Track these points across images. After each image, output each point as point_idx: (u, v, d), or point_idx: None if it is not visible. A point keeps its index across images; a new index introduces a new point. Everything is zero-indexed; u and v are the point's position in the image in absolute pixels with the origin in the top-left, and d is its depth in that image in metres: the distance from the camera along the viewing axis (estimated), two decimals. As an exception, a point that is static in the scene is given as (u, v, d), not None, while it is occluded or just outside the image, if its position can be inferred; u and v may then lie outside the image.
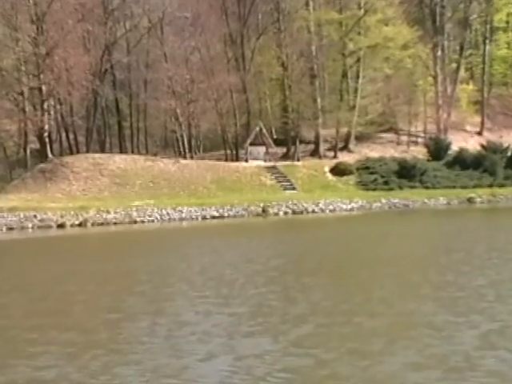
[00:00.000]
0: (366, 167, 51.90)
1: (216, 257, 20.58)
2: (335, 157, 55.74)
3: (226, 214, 39.60)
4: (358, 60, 58.40)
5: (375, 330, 10.21)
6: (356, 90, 58.36)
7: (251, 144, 53.61)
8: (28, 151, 51.79)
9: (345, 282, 15.45)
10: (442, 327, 10.25)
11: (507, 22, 73.37)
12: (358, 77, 58.57)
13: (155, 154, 55.86)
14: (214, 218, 38.92)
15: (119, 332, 10.77)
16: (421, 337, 9.76)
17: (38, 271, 18.76)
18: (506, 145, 55.17)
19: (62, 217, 35.88)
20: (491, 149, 53.78)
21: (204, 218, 38.80)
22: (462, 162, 52.52)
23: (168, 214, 38.46)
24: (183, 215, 38.69)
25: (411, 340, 9.62)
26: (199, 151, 61.87)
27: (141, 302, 13.40)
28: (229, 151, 56.55)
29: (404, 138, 61.49)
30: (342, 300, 12.73)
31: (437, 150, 54.93)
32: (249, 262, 18.68)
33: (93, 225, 35.78)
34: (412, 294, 13.22)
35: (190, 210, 39.18)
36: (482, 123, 66.55)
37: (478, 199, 46.73)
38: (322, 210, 42.18)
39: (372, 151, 58.26)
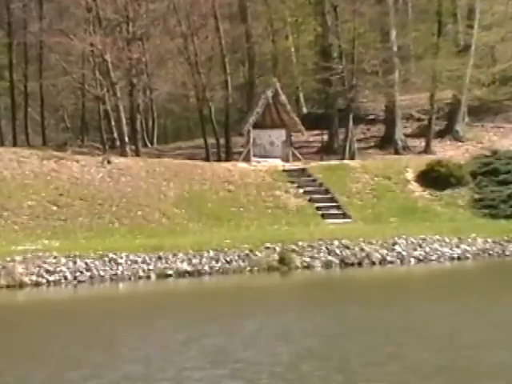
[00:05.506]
0: (491, 171, 52.02)
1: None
2: (427, 150, 56.48)
3: (205, 268, 40.47)
4: None
5: None
6: (471, 14, 58.62)
7: (257, 126, 54.08)
8: None
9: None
10: None
11: None
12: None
13: (63, 146, 57.08)
14: (182, 275, 39.81)
15: None
16: None
17: None
18: None
19: None
20: None
21: (162, 275, 39.72)
22: None
23: (89, 268, 39.25)
24: (120, 271, 39.51)
25: None
26: (152, 141, 63.26)
27: None
28: (212, 140, 57.07)
29: None
30: None
31: None
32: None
33: None
34: None
35: (135, 261, 39.83)
36: None
37: None
38: (402, 259, 42.66)
39: (504, 138, 58.86)
